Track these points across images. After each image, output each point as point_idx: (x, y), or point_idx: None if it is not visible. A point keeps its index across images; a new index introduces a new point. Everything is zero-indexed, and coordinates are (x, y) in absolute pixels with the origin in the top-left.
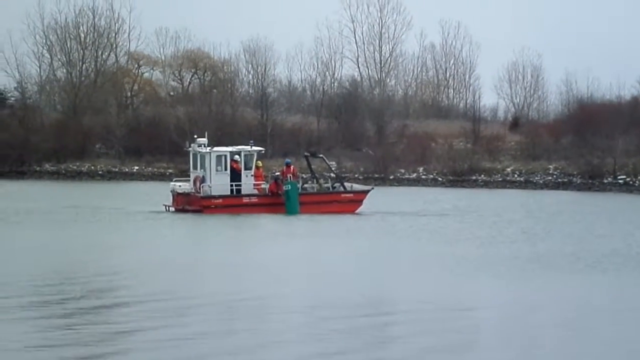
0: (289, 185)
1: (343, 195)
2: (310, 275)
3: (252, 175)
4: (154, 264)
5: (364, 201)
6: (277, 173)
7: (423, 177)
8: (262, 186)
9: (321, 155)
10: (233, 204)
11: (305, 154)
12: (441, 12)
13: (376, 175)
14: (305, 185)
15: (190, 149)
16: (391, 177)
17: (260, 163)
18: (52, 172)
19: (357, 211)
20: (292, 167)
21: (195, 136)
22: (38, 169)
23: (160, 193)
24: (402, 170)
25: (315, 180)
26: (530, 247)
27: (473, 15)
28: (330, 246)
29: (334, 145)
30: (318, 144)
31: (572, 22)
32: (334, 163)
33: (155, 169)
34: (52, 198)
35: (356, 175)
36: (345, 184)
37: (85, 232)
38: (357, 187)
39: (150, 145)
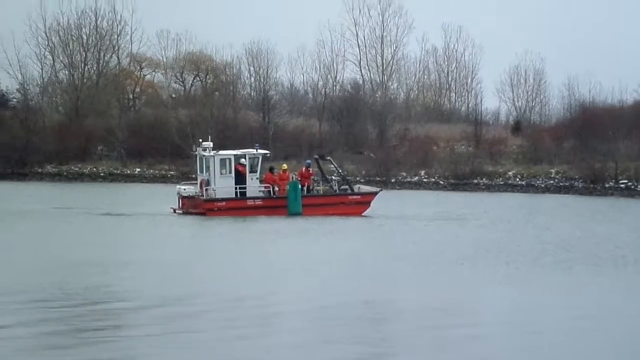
0: (292, 185)
1: (350, 197)
2: (303, 278)
3: (257, 179)
4: (137, 266)
5: (372, 203)
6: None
7: (425, 180)
8: (276, 188)
9: (329, 158)
10: (237, 206)
11: (315, 156)
12: (443, 16)
13: (378, 179)
14: (317, 188)
15: (196, 152)
16: (393, 180)
17: (285, 166)
18: (53, 174)
19: (364, 214)
20: (309, 169)
21: (201, 140)
22: (40, 170)
23: (160, 195)
24: (404, 174)
25: (326, 182)
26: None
27: (475, 19)
28: (315, 248)
29: (336, 148)
30: (320, 147)
31: (574, 26)
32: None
33: (157, 172)
34: (56, 199)
35: (358, 178)
36: (354, 186)
37: (83, 232)
38: (365, 188)
39: (152, 147)
